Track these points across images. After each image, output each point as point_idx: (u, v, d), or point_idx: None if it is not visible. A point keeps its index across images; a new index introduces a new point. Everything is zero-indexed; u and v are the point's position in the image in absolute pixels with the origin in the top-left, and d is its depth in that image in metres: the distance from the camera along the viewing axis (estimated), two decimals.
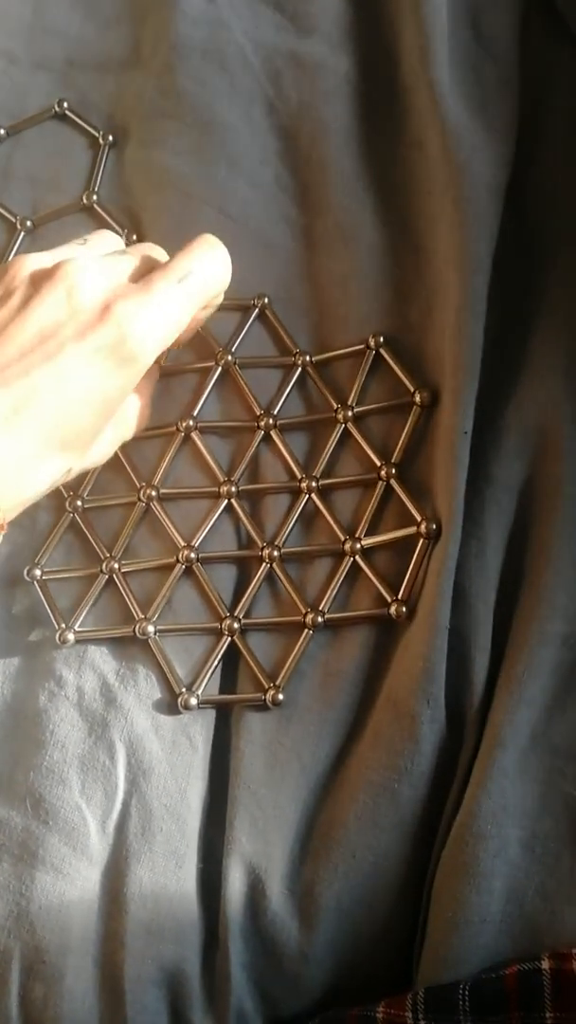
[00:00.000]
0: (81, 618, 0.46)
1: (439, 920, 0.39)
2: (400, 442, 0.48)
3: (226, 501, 0.48)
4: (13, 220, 0.55)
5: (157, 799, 0.43)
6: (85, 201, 0.55)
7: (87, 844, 0.42)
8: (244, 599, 0.46)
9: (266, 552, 0.47)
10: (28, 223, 0.55)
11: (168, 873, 0.42)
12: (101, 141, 0.56)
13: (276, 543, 0.47)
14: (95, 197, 0.55)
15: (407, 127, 0.53)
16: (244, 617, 0.46)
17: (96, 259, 0.43)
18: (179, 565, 0.47)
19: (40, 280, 0.41)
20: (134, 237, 0.53)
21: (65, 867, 0.41)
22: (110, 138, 0.56)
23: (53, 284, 0.40)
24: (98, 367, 0.40)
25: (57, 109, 0.57)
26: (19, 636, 0.47)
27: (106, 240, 0.47)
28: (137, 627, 0.45)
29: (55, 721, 0.44)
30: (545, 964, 0.36)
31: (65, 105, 0.57)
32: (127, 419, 0.46)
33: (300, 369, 0.50)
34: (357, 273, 0.51)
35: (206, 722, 0.45)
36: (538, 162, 0.52)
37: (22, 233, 0.55)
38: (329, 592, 0.46)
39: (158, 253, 0.46)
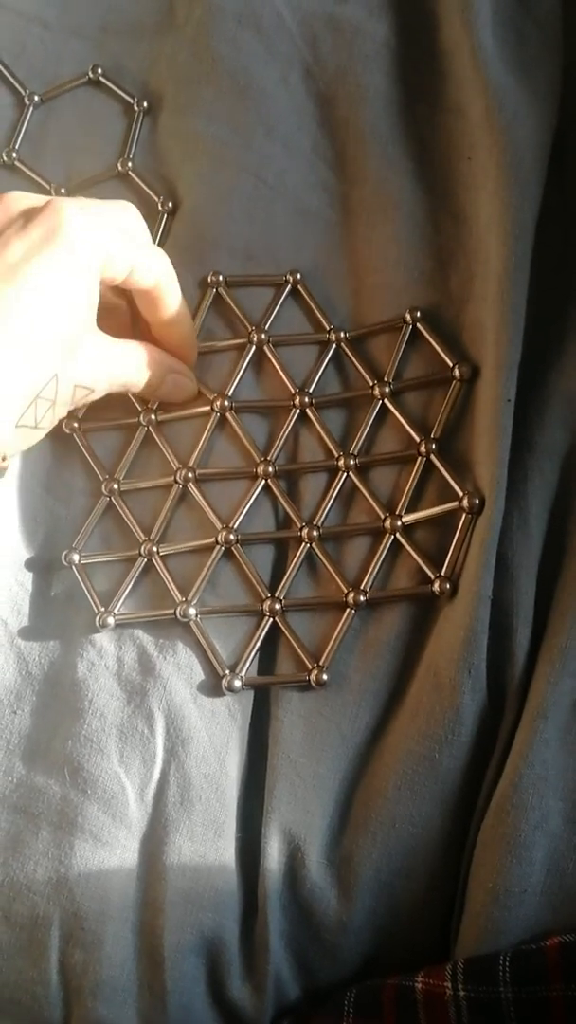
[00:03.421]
0: (120, 602, 0.46)
1: (479, 890, 0.39)
2: (439, 416, 0.47)
3: (263, 481, 0.48)
4: (47, 188, 0.55)
5: (196, 768, 0.43)
6: (120, 168, 0.54)
7: (126, 812, 0.42)
8: (285, 579, 0.46)
9: (305, 532, 0.47)
10: (62, 191, 0.54)
11: (207, 842, 0.42)
12: (135, 107, 0.56)
13: (315, 522, 0.47)
14: (130, 164, 0.54)
15: (447, 92, 0.52)
16: (285, 597, 0.46)
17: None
18: (218, 547, 0.46)
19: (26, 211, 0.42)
20: (169, 204, 0.53)
21: (104, 835, 0.41)
22: (144, 104, 0.56)
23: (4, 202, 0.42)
24: (44, 258, 0.40)
25: (91, 75, 0.57)
26: (58, 612, 0.47)
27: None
28: (178, 610, 0.45)
29: (94, 690, 0.44)
30: None
31: (99, 71, 0.56)
32: (121, 359, 0.46)
33: (335, 346, 0.50)
34: (396, 241, 0.50)
35: (245, 692, 0.45)
36: None
37: None
38: (371, 570, 0.45)
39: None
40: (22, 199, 0.42)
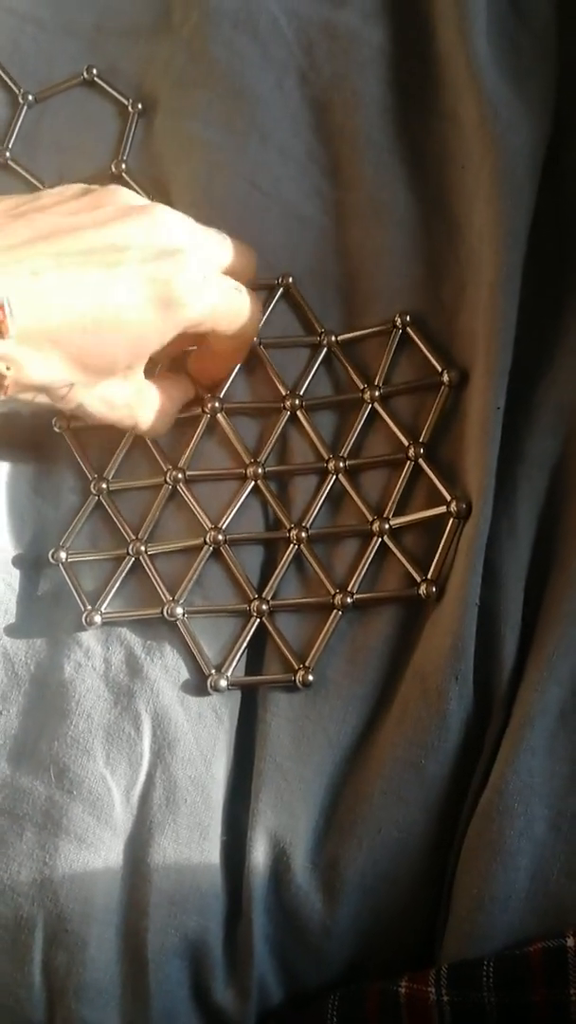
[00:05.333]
0: (108, 600, 0.46)
1: (464, 896, 0.39)
2: (428, 421, 0.48)
3: (253, 483, 0.48)
4: (40, 187, 0.54)
5: (182, 770, 0.43)
6: (113, 170, 0.54)
7: (111, 814, 0.42)
8: (272, 580, 0.46)
9: (294, 533, 0.47)
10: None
11: (192, 844, 0.42)
12: (130, 109, 0.56)
13: (304, 524, 0.47)
14: (123, 166, 0.54)
15: (442, 99, 0.52)
16: (272, 598, 0.46)
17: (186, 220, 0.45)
18: (207, 547, 0.46)
19: (131, 209, 0.42)
20: None
21: (89, 836, 0.41)
22: (139, 106, 0.56)
23: (141, 214, 0.42)
24: (144, 295, 0.41)
25: (86, 76, 0.56)
26: (45, 612, 0.47)
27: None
28: (165, 609, 0.45)
29: (81, 691, 0.44)
30: (570, 941, 0.37)
31: (94, 72, 0.56)
32: (146, 399, 0.46)
33: (326, 349, 0.50)
34: (389, 248, 0.50)
35: (233, 695, 0.45)
36: (574, 135, 0.51)
37: None
38: (358, 573, 0.46)
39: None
40: (166, 225, 0.43)
